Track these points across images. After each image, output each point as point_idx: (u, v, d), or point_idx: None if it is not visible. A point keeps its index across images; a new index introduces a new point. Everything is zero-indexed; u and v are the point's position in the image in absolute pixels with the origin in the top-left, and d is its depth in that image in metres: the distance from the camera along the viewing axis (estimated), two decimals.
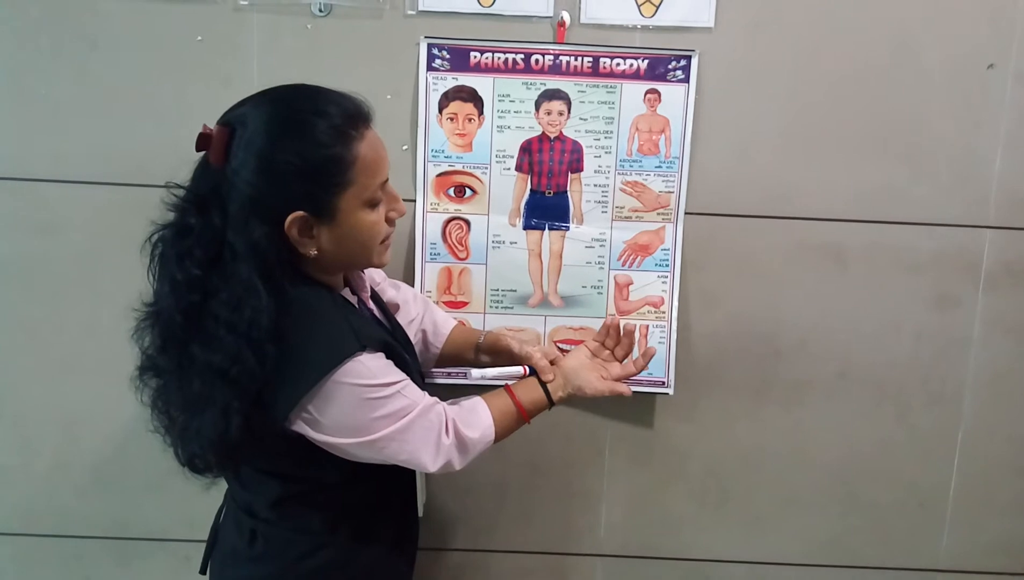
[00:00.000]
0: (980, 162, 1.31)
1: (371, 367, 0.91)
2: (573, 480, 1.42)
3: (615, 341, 1.14)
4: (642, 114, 1.27)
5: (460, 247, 1.31)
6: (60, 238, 1.31)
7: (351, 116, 0.91)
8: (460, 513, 1.42)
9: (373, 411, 0.91)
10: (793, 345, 1.37)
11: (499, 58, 1.25)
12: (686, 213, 1.31)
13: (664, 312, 1.33)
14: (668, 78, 1.26)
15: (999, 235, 1.33)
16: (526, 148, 1.28)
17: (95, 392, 1.35)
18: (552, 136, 1.28)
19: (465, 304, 1.32)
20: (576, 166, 1.29)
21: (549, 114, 1.27)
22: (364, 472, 0.96)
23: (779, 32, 1.26)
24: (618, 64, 1.26)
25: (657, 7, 1.25)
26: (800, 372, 1.37)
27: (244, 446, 0.88)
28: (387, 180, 0.96)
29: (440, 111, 1.27)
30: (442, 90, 1.26)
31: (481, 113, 1.27)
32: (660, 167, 1.29)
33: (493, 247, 1.31)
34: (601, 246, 1.31)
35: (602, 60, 1.26)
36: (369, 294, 1.10)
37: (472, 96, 1.26)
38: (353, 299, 1.04)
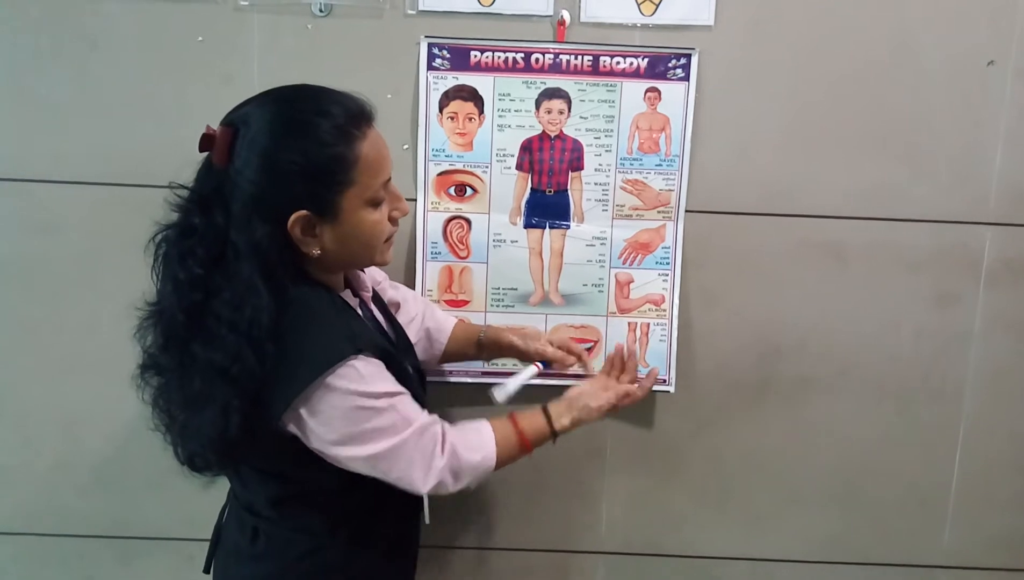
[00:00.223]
0: (980, 159, 1.31)
1: (364, 373, 0.90)
2: (574, 478, 1.42)
3: (620, 369, 1.20)
4: (642, 112, 1.27)
5: (461, 246, 1.31)
6: (60, 238, 1.31)
7: (354, 115, 0.91)
8: (462, 511, 1.42)
9: (364, 422, 0.90)
10: (794, 342, 1.37)
11: (499, 57, 1.25)
12: (687, 211, 1.31)
13: (665, 310, 1.33)
14: (668, 76, 1.26)
15: (999, 232, 1.33)
16: (526, 147, 1.28)
17: (96, 392, 1.35)
18: (552, 135, 1.28)
19: (466, 303, 1.32)
20: (576, 165, 1.29)
21: (549, 113, 1.27)
22: (363, 477, 0.95)
23: (779, 30, 1.26)
24: (618, 63, 1.26)
25: (657, 5, 1.25)
26: (801, 369, 1.38)
27: (243, 445, 0.89)
28: (390, 179, 0.96)
29: (440, 110, 1.27)
30: (442, 89, 1.26)
31: (481, 112, 1.27)
32: (660, 165, 1.29)
33: (494, 246, 1.31)
34: (602, 244, 1.31)
35: (602, 59, 1.26)
36: (371, 295, 1.10)
37: (472, 95, 1.26)
38: (354, 301, 1.04)
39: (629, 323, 1.33)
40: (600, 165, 1.29)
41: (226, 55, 1.25)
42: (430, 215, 1.30)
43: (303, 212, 0.89)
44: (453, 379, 1.34)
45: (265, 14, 1.24)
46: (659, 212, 1.31)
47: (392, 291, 1.21)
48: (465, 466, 0.98)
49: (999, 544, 1.44)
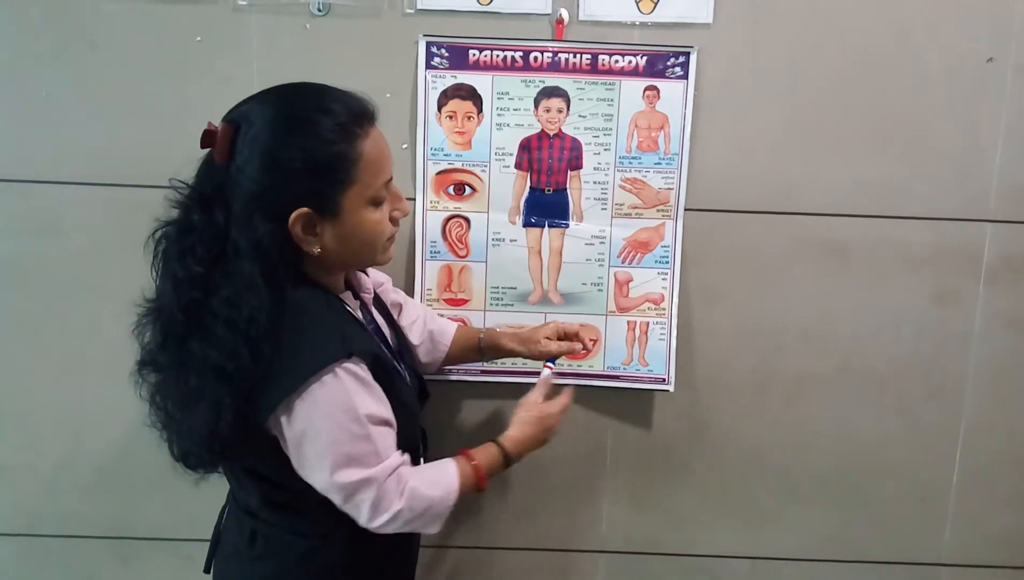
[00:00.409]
0: (980, 156, 1.31)
1: (348, 385, 0.89)
2: (575, 477, 1.42)
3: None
4: (641, 111, 1.27)
5: (460, 245, 1.31)
6: (61, 239, 1.32)
7: (356, 114, 0.92)
8: (463, 510, 1.42)
9: (339, 445, 0.89)
10: (794, 340, 1.37)
11: (498, 56, 1.25)
12: (686, 209, 1.31)
13: (664, 309, 1.33)
14: (667, 75, 1.26)
15: (1000, 229, 1.33)
16: (525, 146, 1.28)
17: (97, 392, 1.35)
18: (551, 133, 1.28)
19: (465, 301, 1.32)
20: (575, 163, 1.29)
21: (548, 111, 1.27)
22: None
23: (778, 27, 1.26)
24: (617, 61, 1.26)
25: (656, 3, 1.25)
26: (801, 367, 1.37)
27: (234, 444, 0.89)
28: (391, 179, 0.96)
29: (439, 109, 1.27)
30: (441, 88, 1.26)
31: (480, 111, 1.27)
32: (659, 164, 1.29)
33: (493, 245, 1.31)
34: (601, 243, 1.31)
35: (601, 57, 1.25)
36: (372, 297, 1.09)
37: (471, 94, 1.26)
38: (355, 303, 1.04)
39: (628, 322, 1.33)
40: (599, 164, 1.29)
41: (225, 55, 1.25)
42: (429, 214, 1.30)
43: (304, 210, 0.89)
44: (454, 378, 1.34)
45: (263, 14, 1.25)
46: (658, 210, 1.31)
47: (394, 294, 1.21)
48: (422, 508, 0.95)
49: (1000, 541, 1.44)
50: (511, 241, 1.31)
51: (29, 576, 1.44)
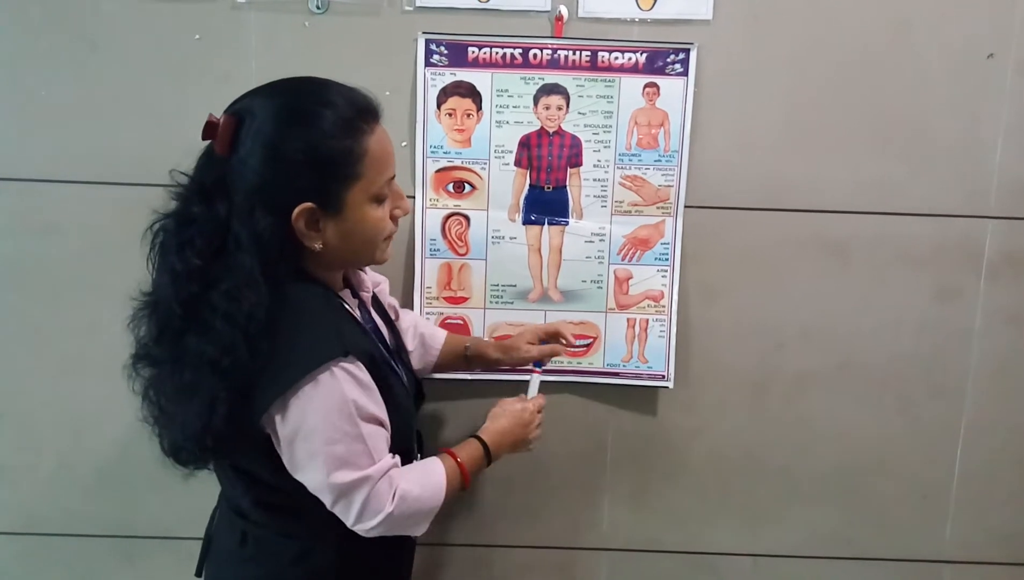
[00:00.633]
0: (981, 152, 1.30)
1: (344, 384, 0.88)
2: (576, 475, 1.42)
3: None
4: (641, 108, 1.27)
5: (460, 243, 1.31)
6: (61, 238, 1.32)
7: (361, 110, 0.91)
8: (464, 509, 1.42)
9: (333, 442, 0.88)
10: (794, 338, 1.36)
11: (497, 53, 1.25)
12: (686, 207, 1.31)
13: (664, 306, 1.33)
14: (667, 71, 1.26)
15: (1000, 225, 1.33)
16: (525, 143, 1.28)
17: (98, 392, 1.35)
18: (551, 131, 1.28)
19: (465, 299, 1.32)
20: (575, 161, 1.29)
21: (548, 109, 1.27)
22: None
23: (778, 24, 1.26)
24: (616, 58, 1.26)
25: (655, 0, 1.24)
26: (801, 365, 1.37)
27: (226, 440, 0.87)
28: (394, 176, 0.96)
29: (438, 107, 1.27)
30: (440, 86, 1.26)
31: (479, 108, 1.27)
32: (659, 161, 1.29)
33: (493, 242, 1.31)
34: (601, 240, 1.31)
35: (600, 54, 1.25)
36: (371, 295, 1.09)
37: (470, 91, 1.26)
38: (353, 301, 1.03)
39: (628, 319, 1.33)
40: (599, 161, 1.29)
41: (224, 53, 1.25)
42: (429, 212, 1.30)
43: (308, 205, 0.88)
44: (448, 377, 1.34)
45: (262, 12, 1.25)
46: (658, 208, 1.30)
47: (390, 298, 1.21)
48: (411, 511, 0.95)
49: (1001, 538, 1.44)
50: (511, 239, 1.31)
51: (31, 575, 1.45)
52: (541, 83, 1.26)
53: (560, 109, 1.27)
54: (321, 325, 0.91)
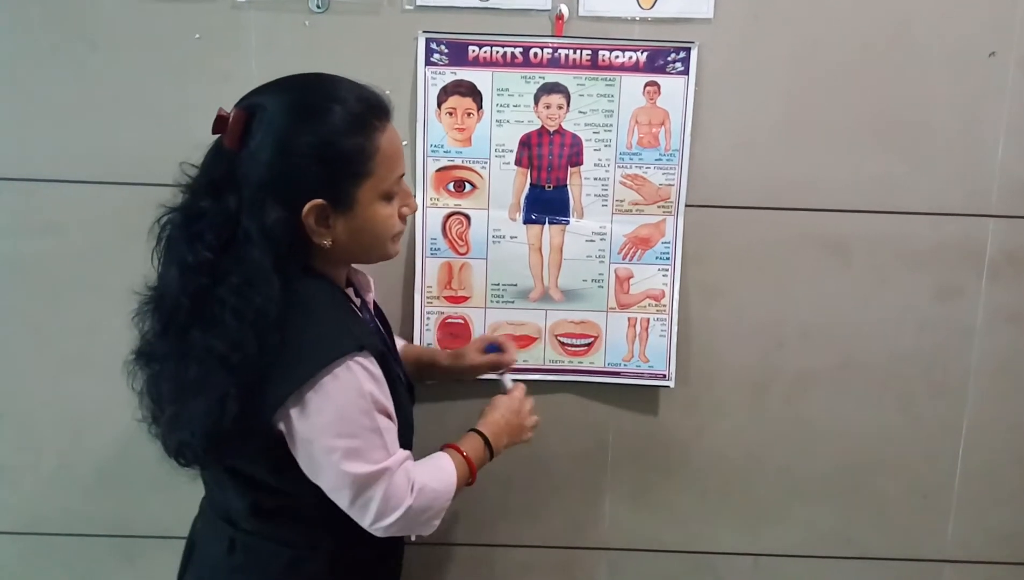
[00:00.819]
0: (982, 151, 1.30)
1: (360, 378, 0.88)
2: (576, 474, 1.42)
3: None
4: (642, 107, 1.27)
5: (460, 242, 1.31)
6: (61, 238, 1.32)
7: (373, 107, 0.92)
8: (463, 508, 1.42)
9: (351, 436, 0.88)
10: (795, 336, 1.36)
11: (497, 52, 1.25)
12: (686, 206, 1.30)
13: (665, 305, 1.33)
14: (667, 70, 1.26)
15: (1002, 224, 1.32)
16: (525, 142, 1.28)
17: (99, 391, 1.35)
18: (551, 130, 1.28)
19: (466, 299, 1.32)
20: (576, 160, 1.29)
21: (548, 108, 1.27)
22: None
23: (779, 22, 1.26)
24: (617, 57, 1.25)
25: None
26: (802, 364, 1.37)
27: (235, 438, 0.86)
28: (403, 174, 0.96)
29: (439, 106, 1.26)
30: (440, 85, 1.26)
31: (480, 107, 1.27)
32: (660, 160, 1.29)
33: (493, 242, 1.31)
34: (601, 240, 1.31)
35: (601, 53, 1.25)
36: (372, 295, 1.09)
37: (471, 90, 1.26)
38: (356, 300, 1.03)
39: (629, 318, 1.33)
40: (599, 160, 1.28)
41: (224, 52, 1.25)
42: (429, 211, 1.30)
43: (319, 201, 0.88)
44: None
45: (262, 11, 1.24)
46: (659, 207, 1.30)
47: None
48: (430, 504, 0.95)
49: (1003, 538, 1.44)
50: (511, 238, 1.31)
51: (32, 575, 1.45)
52: (542, 82, 1.26)
53: (561, 108, 1.27)
54: (334, 320, 0.91)
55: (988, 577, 1.45)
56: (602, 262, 1.32)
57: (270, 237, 0.86)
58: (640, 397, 1.37)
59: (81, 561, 1.44)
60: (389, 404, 0.92)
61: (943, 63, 1.27)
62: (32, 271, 1.33)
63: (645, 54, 1.25)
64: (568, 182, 1.29)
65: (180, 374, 0.87)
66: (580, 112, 1.27)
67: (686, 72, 1.26)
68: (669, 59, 1.26)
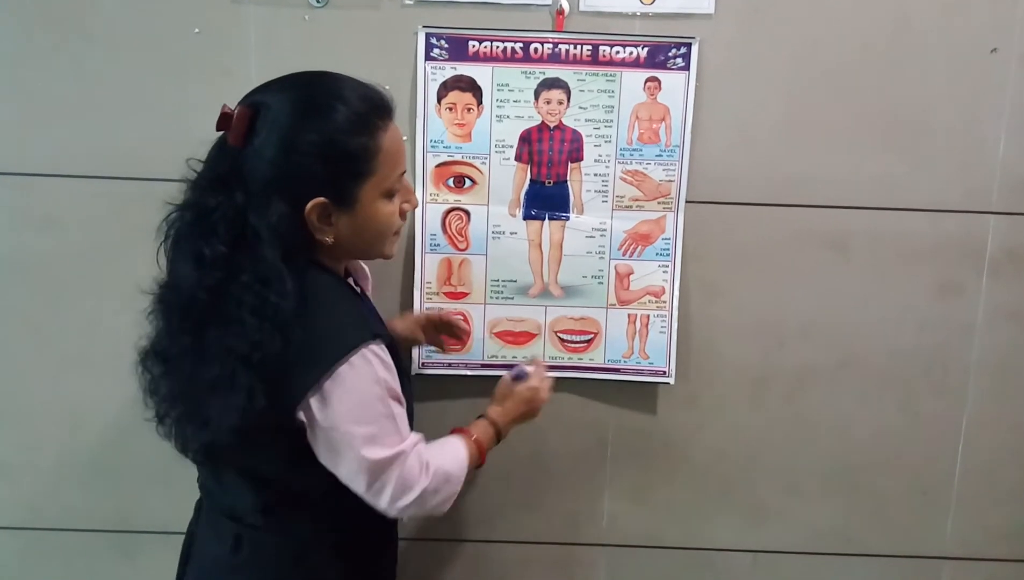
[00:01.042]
0: (983, 148, 1.30)
1: (375, 364, 0.90)
2: (575, 470, 1.41)
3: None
4: (642, 102, 1.26)
5: (460, 238, 1.31)
6: (60, 233, 1.31)
7: (376, 106, 0.92)
8: (462, 504, 1.42)
9: (369, 421, 0.89)
10: (795, 334, 1.36)
11: (498, 47, 1.25)
12: (687, 202, 1.30)
13: (665, 302, 1.32)
14: (668, 66, 1.25)
15: (1002, 221, 1.32)
16: (525, 138, 1.27)
17: (98, 386, 1.35)
18: (552, 125, 1.27)
19: (465, 295, 1.32)
20: (576, 155, 1.28)
21: (548, 103, 1.26)
22: None
23: (779, 18, 1.25)
24: (618, 52, 1.25)
25: None
26: (802, 361, 1.37)
27: (261, 433, 0.87)
28: (405, 172, 0.97)
29: (439, 101, 1.26)
30: (440, 80, 1.25)
31: (480, 103, 1.26)
32: (660, 156, 1.28)
33: (493, 237, 1.30)
34: (601, 236, 1.31)
35: (601, 48, 1.25)
36: (370, 286, 1.10)
37: (471, 85, 1.26)
38: (356, 290, 1.04)
39: (629, 315, 1.33)
40: (600, 156, 1.28)
41: (223, 47, 1.25)
42: (429, 207, 1.29)
43: (321, 200, 0.89)
44: (454, 372, 1.34)
45: (262, 5, 1.24)
46: (659, 203, 1.30)
47: None
48: (442, 484, 0.97)
49: (1002, 535, 1.44)
50: (511, 234, 1.30)
51: (31, 570, 1.45)
52: (542, 77, 1.26)
53: (561, 103, 1.26)
54: (347, 311, 0.93)
55: (987, 574, 1.45)
56: (602, 258, 1.31)
57: (277, 234, 0.86)
58: (640, 394, 1.37)
59: (80, 557, 1.44)
60: (399, 389, 0.94)
61: (944, 59, 1.27)
62: (30, 266, 1.33)
63: (646, 49, 1.25)
64: (568, 178, 1.29)
65: (198, 373, 0.87)
66: (580, 108, 1.27)
67: (687, 68, 1.25)
68: (670, 55, 1.25)
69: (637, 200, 1.30)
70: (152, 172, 1.25)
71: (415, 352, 1.32)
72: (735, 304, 1.35)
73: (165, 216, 0.91)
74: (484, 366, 1.34)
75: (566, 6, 1.23)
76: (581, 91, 1.26)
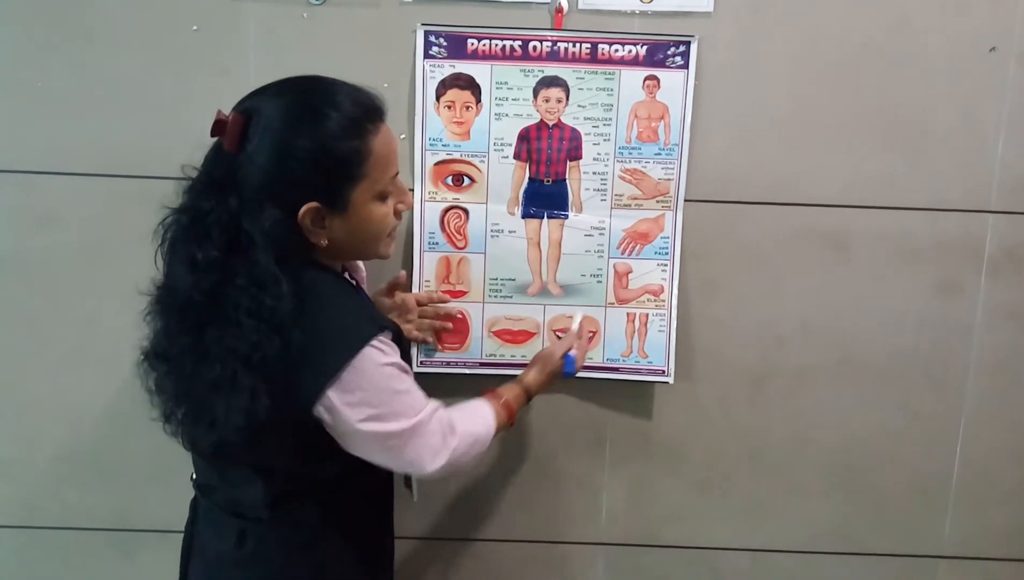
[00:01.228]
0: (982, 146, 1.30)
1: (386, 350, 0.93)
2: (574, 469, 1.41)
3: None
4: (641, 101, 1.26)
5: (458, 236, 1.30)
6: (59, 230, 1.31)
7: (368, 110, 0.93)
8: (461, 502, 1.42)
9: (390, 400, 0.93)
10: (794, 332, 1.36)
11: (496, 45, 1.24)
12: (686, 200, 1.30)
13: (664, 300, 1.32)
14: (667, 64, 1.25)
15: (1001, 220, 1.32)
16: (524, 136, 1.27)
17: (96, 384, 1.35)
18: (550, 124, 1.27)
19: (464, 293, 1.32)
20: (575, 154, 1.28)
21: (547, 101, 1.26)
22: (356, 468, 0.96)
23: (779, 16, 1.25)
24: (617, 50, 1.25)
25: None
26: (801, 360, 1.37)
27: (273, 430, 0.88)
28: (397, 173, 0.97)
29: (437, 99, 1.26)
30: (439, 78, 1.25)
31: (479, 101, 1.26)
32: (659, 154, 1.28)
33: (492, 236, 1.30)
34: (600, 234, 1.31)
35: (600, 46, 1.25)
36: (365, 279, 1.11)
37: (469, 84, 1.26)
38: (352, 282, 1.05)
39: (628, 313, 1.33)
40: (599, 154, 1.28)
41: (222, 45, 1.25)
42: (427, 205, 1.29)
43: (314, 204, 0.90)
44: (452, 371, 1.34)
45: (261, 3, 1.24)
46: (658, 201, 1.30)
47: None
48: (468, 443, 1.01)
49: (1000, 534, 1.44)
50: (510, 232, 1.30)
51: (29, 569, 1.45)
52: (541, 75, 1.25)
53: (560, 102, 1.26)
54: (352, 306, 0.96)
55: (985, 573, 1.45)
56: (601, 257, 1.31)
57: (271, 238, 0.87)
58: (639, 393, 1.37)
59: (79, 555, 1.44)
60: (407, 366, 0.98)
61: (943, 58, 1.27)
62: (30, 263, 1.32)
63: (645, 48, 1.25)
64: (567, 176, 1.29)
65: (199, 373, 0.88)
66: (579, 106, 1.26)
67: (686, 66, 1.25)
68: (669, 53, 1.25)
69: (636, 199, 1.30)
70: (151, 170, 1.25)
71: (413, 351, 1.32)
72: (734, 303, 1.35)
73: (161, 219, 0.92)
74: (482, 365, 1.33)
75: (565, 4, 1.23)
76: (580, 89, 1.26)
